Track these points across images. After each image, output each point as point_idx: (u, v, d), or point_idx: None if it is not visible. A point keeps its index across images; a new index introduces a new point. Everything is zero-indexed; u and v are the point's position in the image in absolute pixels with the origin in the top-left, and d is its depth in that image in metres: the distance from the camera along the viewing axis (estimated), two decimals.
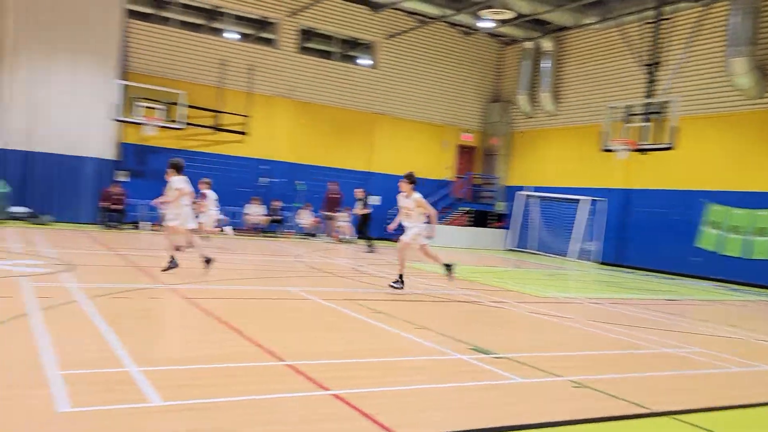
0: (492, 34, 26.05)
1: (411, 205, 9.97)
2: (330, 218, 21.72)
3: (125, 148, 20.74)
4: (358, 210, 19.53)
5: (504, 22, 22.97)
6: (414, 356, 5.91)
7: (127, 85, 19.98)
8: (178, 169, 10.13)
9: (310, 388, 4.51)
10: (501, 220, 26.27)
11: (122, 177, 20.54)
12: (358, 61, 25.45)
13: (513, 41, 26.21)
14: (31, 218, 18.57)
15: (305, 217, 22.58)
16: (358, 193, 19.63)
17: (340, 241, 21.59)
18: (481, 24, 23.47)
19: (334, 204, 21.78)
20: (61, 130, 19.43)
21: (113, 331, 5.68)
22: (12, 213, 18.25)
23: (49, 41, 19.14)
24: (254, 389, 4.40)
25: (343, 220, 21.98)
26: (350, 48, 25.37)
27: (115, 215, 19.29)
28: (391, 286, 9.95)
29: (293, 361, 5.13)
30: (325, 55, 24.62)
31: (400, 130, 25.31)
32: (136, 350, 5.10)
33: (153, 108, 20.27)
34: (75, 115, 19.59)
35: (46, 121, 19.24)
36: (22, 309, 6.37)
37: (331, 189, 22.00)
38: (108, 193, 19.29)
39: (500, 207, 26.26)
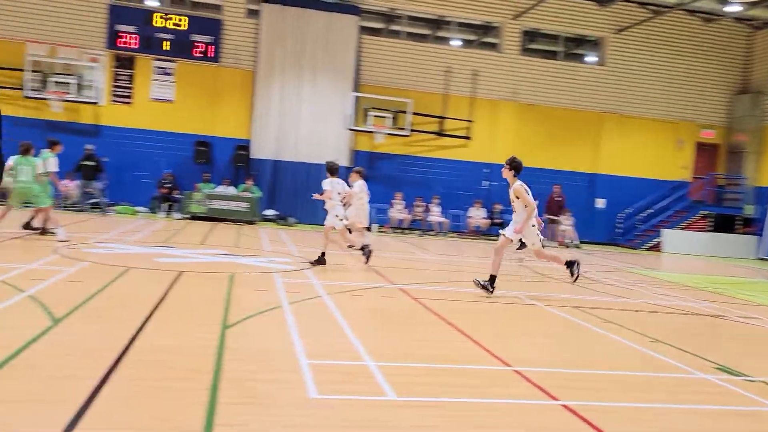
0: (739, 19, 23.31)
1: (511, 195, 9.05)
2: (554, 222, 21.15)
3: (357, 155, 22.29)
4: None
5: (754, 3, 20.43)
6: (649, 372, 5.53)
7: (359, 97, 21.49)
8: (332, 172, 10.99)
9: (538, 396, 4.46)
10: (750, 225, 23.36)
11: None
12: (584, 58, 24.44)
13: (765, 24, 23.18)
14: (279, 220, 20.84)
15: None
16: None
17: (566, 246, 20.93)
18: (727, 8, 21.16)
19: (558, 207, 21.17)
20: (304, 140, 21.50)
21: (350, 326, 6.16)
22: (264, 215, 20.65)
23: (296, 62, 21.30)
24: (482, 392, 4.47)
25: (567, 224, 21.27)
26: (575, 46, 24.48)
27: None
28: (482, 286, 8.73)
29: (520, 367, 5.11)
30: (549, 55, 24.05)
31: (629, 128, 23.76)
32: (372, 345, 5.48)
33: (382, 117, 21.51)
34: (315, 126, 21.54)
35: (292, 133, 21.42)
36: (277, 301, 7.19)
37: (555, 192, 21.42)
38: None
39: (749, 211, 23.35)
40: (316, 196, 11.21)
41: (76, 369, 4.24)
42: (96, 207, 19.33)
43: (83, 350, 4.71)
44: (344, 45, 21.56)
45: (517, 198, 8.88)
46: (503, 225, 21.99)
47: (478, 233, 21.77)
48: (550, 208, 21.09)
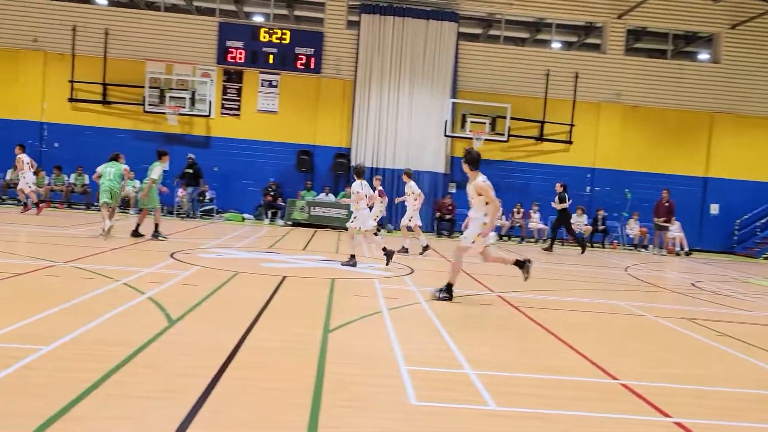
0: None
1: (470, 191, 8.21)
2: (662, 228, 20.14)
3: (455, 161, 22.22)
4: (555, 204, 17.84)
5: None
6: None
7: (457, 103, 21.44)
8: (359, 174, 11.30)
9: (647, 412, 4.27)
10: None
11: (452, 188, 22.07)
12: (695, 56, 23.17)
13: None
14: (378, 226, 21.09)
15: (633, 227, 21.34)
16: (558, 187, 17.97)
17: (676, 253, 19.89)
18: None
19: (667, 213, 20.13)
20: (402, 147, 21.70)
21: (449, 334, 6.15)
22: None
23: (395, 70, 21.55)
24: (586, 405, 4.33)
25: (676, 231, 20.21)
26: (686, 44, 23.26)
27: (447, 224, 20.78)
28: (438, 297, 8.00)
29: (628, 381, 4.92)
30: (656, 54, 23.00)
31: (744, 128, 22.25)
32: (471, 353, 5.45)
33: (480, 122, 21.34)
34: (413, 133, 21.69)
35: (390, 140, 21.68)
36: (377, 307, 7.31)
37: (663, 197, 20.40)
38: (440, 203, 20.86)
39: None
40: (343, 200, 12.16)
41: (190, 367, 4.50)
42: (207, 214, 20.40)
43: (197, 350, 5.00)
44: (442, 51, 21.60)
45: (479, 195, 8.04)
46: (607, 232, 21.26)
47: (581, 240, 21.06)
48: (657, 213, 20.10)
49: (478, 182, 8.07)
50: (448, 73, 21.62)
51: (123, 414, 3.55)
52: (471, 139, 21.34)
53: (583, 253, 17.70)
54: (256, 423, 3.60)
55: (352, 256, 11.04)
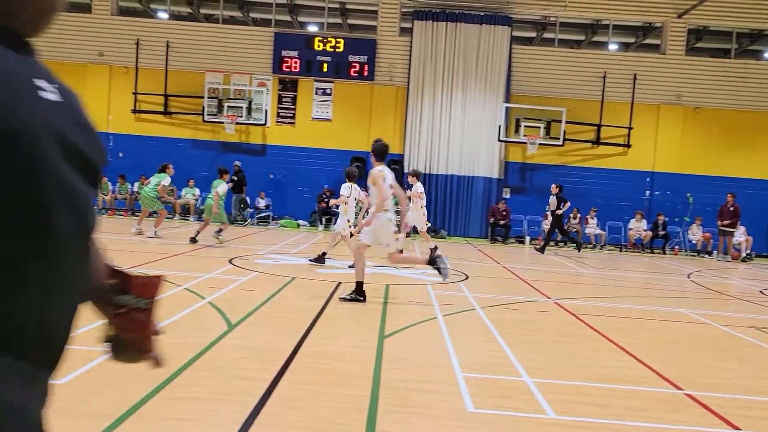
0: None
1: (368, 181, 7.80)
2: (726, 233, 19.41)
3: (509, 166, 21.99)
4: (551, 206, 17.41)
5: None
6: None
7: (511, 107, 21.23)
8: (349, 177, 11.34)
9: (715, 424, 4.12)
10: None
11: (506, 194, 21.84)
12: (763, 55, 22.29)
13: None
14: (431, 232, 21.05)
15: (696, 233, 20.64)
16: (554, 188, 17.53)
17: (742, 260, 19.13)
18: None
19: (732, 217, 19.40)
20: (455, 153, 21.62)
21: (505, 340, 6.09)
22: (416, 228, 20.97)
23: (447, 75, 21.53)
24: (650, 416, 4.22)
25: (741, 236, 19.45)
26: (751, 42, 22.41)
27: (501, 230, 20.57)
28: (350, 299, 7.56)
29: (694, 391, 4.76)
30: (718, 53, 22.23)
31: None
32: (528, 360, 5.38)
33: (535, 127, 21.08)
34: (466, 139, 21.58)
35: (444, 146, 21.63)
36: (432, 313, 7.30)
37: (728, 201, 19.67)
38: (495, 209, 20.68)
39: None
40: (333, 201, 11.94)
41: (250, 371, 4.60)
42: (263, 221, 20.79)
43: (256, 353, 5.10)
44: (496, 56, 21.44)
45: (373, 185, 7.67)
46: (668, 237, 20.63)
47: (640, 246, 20.53)
48: (722, 218, 19.38)
49: (372, 170, 7.78)
50: (501, 77, 21.44)
51: (187, 415, 3.66)
52: (525, 143, 21.12)
53: (579, 251, 17.32)
54: (315, 426, 3.64)
55: (324, 254, 11.29)
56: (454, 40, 21.50)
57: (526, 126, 21.09)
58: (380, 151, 7.89)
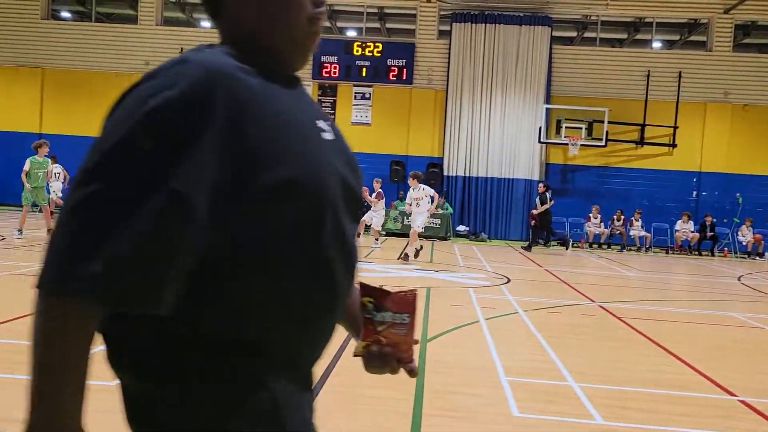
0: None
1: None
2: None
3: (550, 168, 21.72)
4: (537, 207, 17.49)
5: None
6: None
7: (551, 109, 20.98)
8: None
9: None
10: None
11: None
12: None
13: None
14: (471, 236, 20.97)
15: (746, 234, 20.02)
16: (540, 187, 17.56)
17: None
18: None
19: None
20: (495, 155, 21.45)
21: (549, 344, 6.01)
22: (456, 231, 20.92)
23: (487, 77, 21.41)
24: (700, 422, 4.11)
25: None
26: None
27: (543, 233, 20.29)
28: None
29: (748, 397, 4.62)
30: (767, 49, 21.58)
31: None
32: (573, 364, 5.30)
33: (576, 128, 20.78)
34: (506, 141, 21.41)
35: (483, 149, 21.50)
36: (474, 316, 7.26)
37: None
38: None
39: None
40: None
41: None
42: None
43: None
44: (536, 57, 21.22)
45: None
46: (716, 239, 20.06)
47: (687, 248, 20.03)
48: None
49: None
50: (541, 78, 21.21)
51: None
52: (566, 144, 20.83)
53: (567, 249, 17.15)
54: (359, 429, 3.66)
55: None
56: (493, 41, 21.37)
57: (567, 127, 20.80)
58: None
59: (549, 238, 18.40)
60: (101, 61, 22.26)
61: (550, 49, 21.26)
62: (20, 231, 12.03)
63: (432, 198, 13.33)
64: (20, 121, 22.26)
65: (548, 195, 17.59)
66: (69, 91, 22.31)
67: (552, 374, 5.02)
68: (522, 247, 17.85)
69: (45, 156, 12.63)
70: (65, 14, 24.29)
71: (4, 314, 5.85)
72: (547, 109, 20.90)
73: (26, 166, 12.61)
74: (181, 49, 21.98)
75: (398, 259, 12.77)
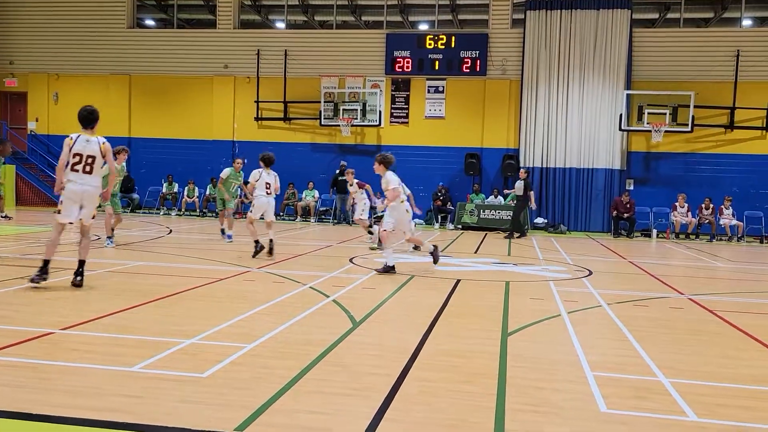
0: None
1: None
2: None
3: (632, 156, 20.95)
4: (518, 190, 16.89)
5: None
6: None
7: (632, 94, 20.21)
8: (265, 162, 10.92)
9: None
10: None
11: (630, 185, 20.82)
12: None
13: None
14: (549, 228, 20.52)
15: None
16: (522, 173, 17.04)
17: None
18: None
19: None
20: (573, 145, 20.88)
21: (637, 338, 5.81)
22: (534, 224, 20.51)
23: (563, 65, 20.86)
24: None
25: None
26: None
27: (626, 223, 19.63)
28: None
29: None
30: None
31: None
32: (663, 360, 5.10)
33: (660, 113, 19.93)
34: (585, 130, 20.79)
35: (561, 138, 20.97)
36: (556, 310, 7.11)
37: None
38: (618, 201, 19.76)
39: None
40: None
41: (376, 367, 4.69)
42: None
43: (381, 350, 5.20)
44: (615, 41, 20.50)
45: (103, 157, 7.55)
46: None
47: None
48: None
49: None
50: (621, 63, 20.46)
51: (319, 409, 3.79)
52: (650, 131, 20.03)
53: (520, 237, 17.06)
54: (444, 422, 3.66)
55: (256, 242, 10.68)
56: (570, 27, 20.79)
57: (650, 113, 19.99)
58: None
59: (523, 229, 17.79)
60: (183, 66, 23.15)
61: (630, 32, 20.48)
62: (110, 238, 11.90)
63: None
64: (112, 126, 23.48)
65: (530, 182, 17.52)
66: (154, 96, 23.35)
67: (640, 369, 4.85)
68: (504, 236, 17.35)
69: (123, 163, 12.55)
70: (149, 22, 25.40)
71: (110, 309, 6.21)
72: (628, 95, 20.16)
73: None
74: (258, 51, 22.57)
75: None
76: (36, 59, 23.79)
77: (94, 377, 4.19)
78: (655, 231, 19.66)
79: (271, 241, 10.79)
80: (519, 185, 17.43)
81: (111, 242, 11.68)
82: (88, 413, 3.56)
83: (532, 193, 17.81)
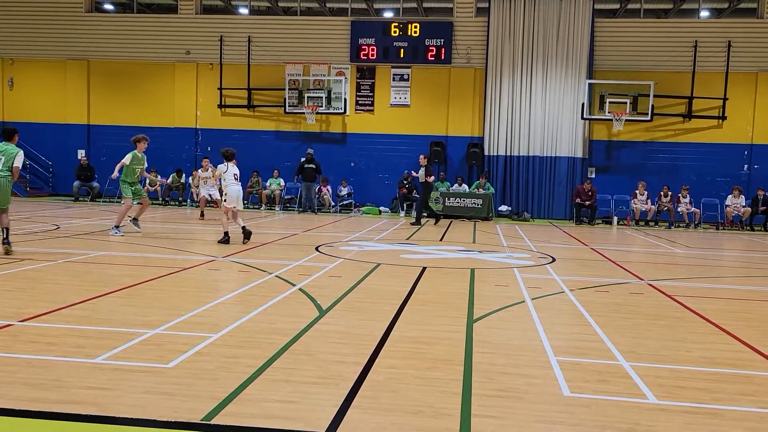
0: None
1: None
2: None
3: (593, 144, 21.30)
4: (420, 176, 16.88)
5: None
6: None
7: (594, 84, 20.52)
8: (229, 158, 11.35)
9: None
10: None
11: (592, 173, 21.19)
12: None
13: None
14: (513, 216, 20.77)
15: None
16: (422, 159, 16.94)
17: None
18: None
19: None
20: (537, 134, 21.14)
21: (598, 324, 5.94)
22: (498, 211, 20.74)
23: (526, 55, 21.05)
24: (758, 401, 4.01)
25: None
26: None
27: (587, 211, 19.99)
28: None
29: None
30: None
31: None
32: (624, 344, 5.23)
33: (621, 102, 20.29)
34: (548, 118, 21.06)
35: (524, 127, 21.20)
36: (520, 296, 7.21)
37: None
38: (580, 189, 20.10)
39: None
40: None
41: (343, 355, 4.70)
42: (345, 208, 21.11)
43: (348, 338, 5.21)
44: (577, 31, 20.77)
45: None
46: None
47: (739, 224, 19.46)
48: None
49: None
50: (583, 53, 20.75)
51: (287, 398, 3.78)
52: (611, 120, 20.39)
53: (415, 224, 16.80)
54: (411, 408, 3.69)
55: (226, 233, 11.17)
56: (533, 17, 20.98)
57: (611, 102, 20.35)
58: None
59: (420, 213, 17.79)
60: (144, 52, 22.65)
61: (593, 22, 20.76)
62: (118, 228, 11.61)
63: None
64: (69, 113, 22.89)
65: (431, 167, 17.48)
66: (113, 82, 22.82)
67: (602, 354, 4.96)
68: (411, 223, 17.42)
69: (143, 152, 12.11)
70: (108, 6, 24.75)
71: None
72: (589, 84, 20.46)
73: (126, 160, 11.83)
74: (221, 37, 22.21)
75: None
76: None
77: (55, 369, 4.11)
78: (615, 218, 20.07)
79: (243, 228, 11.15)
80: (421, 172, 16.96)
81: (119, 231, 11.52)
82: (52, 406, 3.50)
83: (432, 177, 17.28)
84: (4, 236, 8.85)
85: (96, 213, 16.86)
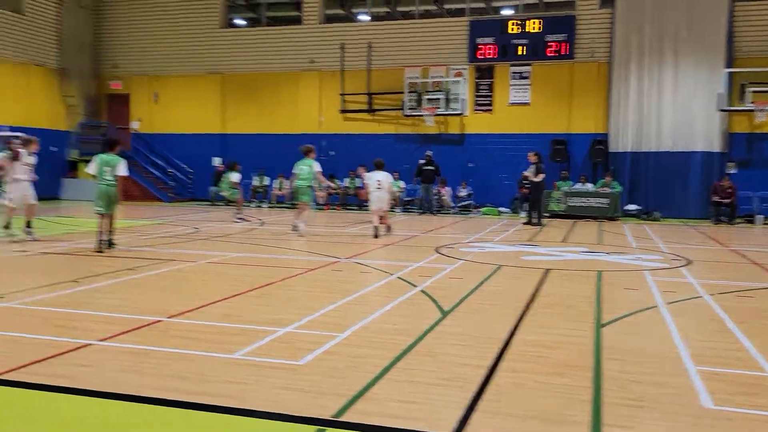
0: None
1: None
2: None
3: (733, 138, 19.78)
4: (530, 175, 15.82)
5: None
6: None
7: (733, 72, 19.06)
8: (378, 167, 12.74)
9: None
10: None
11: (731, 169, 19.66)
12: None
13: None
14: (642, 215, 19.72)
15: None
16: (531, 156, 15.83)
17: None
18: None
19: None
20: (667, 128, 19.95)
21: (743, 331, 5.52)
22: (626, 210, 19.76)
23: (655, 45, 19.95)
24: None
25: None
26: None
27: (726, 209, 18.58)
28: None
29: None
30: None
31: None
32: None
33: (764, 92, 18.69)
34: (679, 111, 19.81)
35: (653, 122, 20.07)
36: (652, 301, 6.85)
37: None
38: (717, 186, 18.72)
39: None
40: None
41: (467, 357, 4.70)
42: (464, 209, 21.02)
43: (471, 341, 5.19)
44: (713, 17, 19.37)
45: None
46: None
47: None
48: None
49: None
50: (720, 40, 19.32)
51: (411, 398, 3.84)
52: (752, 111, 18.83)
53: (536, 224, 16.02)
54: (538, 415, 3.62)
55: (376, 227, 12.71)
56: (663, 4, 19.81)
57: (753, 91, 18.79)
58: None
59: (540, 215, 16.62)
60: (271, 63, 23.82)
61: (731, 5, 19.26)
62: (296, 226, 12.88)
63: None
64: (206, 124, 24.53)
65: (543, 165, 16.37)
66: (244, 93, 24.17)
67: (748, 364, 4.61)
68: (523, 223, 16.52)
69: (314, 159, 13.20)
70: (239, 21, 26.25)
71: (204, 300, 6.53)
72: (728, 73, 19.01)
73: (316, 168, 13.03)
74: (342, 45, 22.88)
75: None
76: (137, 62, 25.13)
77: (199, 363, 4.43)
78: (760, 216, 18.50)
79: (375, 227, 12.77)
80: (531, 169, 16.28)
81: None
82: (199, 398, 3.78)
83: (542, 175, 16.30)
84: (105, 238, 9.81)
85: (229, 216, 17.91)
